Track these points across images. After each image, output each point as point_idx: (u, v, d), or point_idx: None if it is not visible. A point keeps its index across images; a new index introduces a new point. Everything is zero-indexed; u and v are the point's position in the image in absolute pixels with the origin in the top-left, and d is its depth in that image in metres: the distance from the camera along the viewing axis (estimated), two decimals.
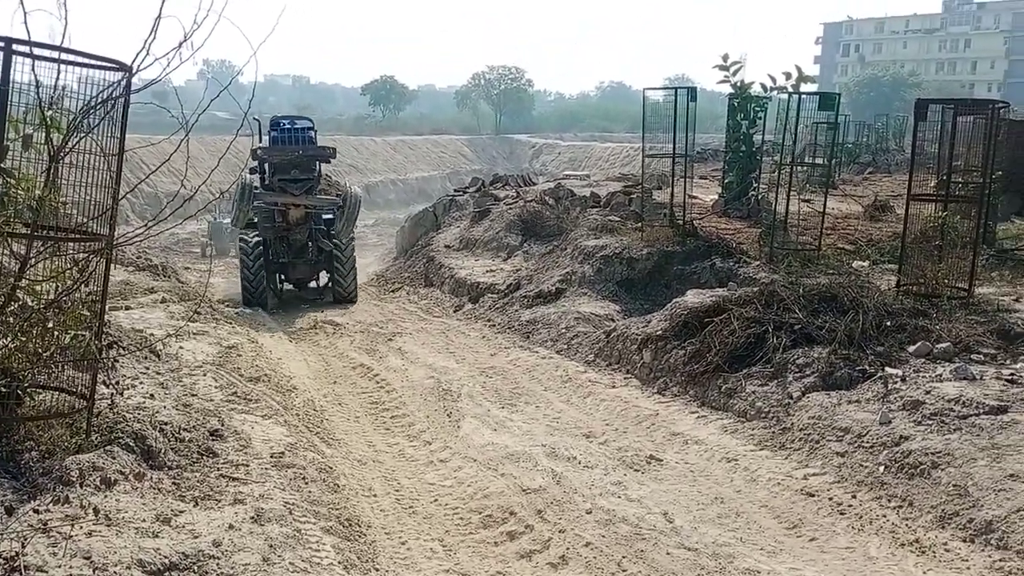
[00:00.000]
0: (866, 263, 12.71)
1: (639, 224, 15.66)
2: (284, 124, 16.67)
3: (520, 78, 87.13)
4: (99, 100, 5.52)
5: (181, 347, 9.55)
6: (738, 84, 17.95)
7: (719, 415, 8.28)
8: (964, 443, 6.36)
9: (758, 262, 12.83)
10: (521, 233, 17.59)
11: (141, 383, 7.57)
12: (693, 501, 6.45)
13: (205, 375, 8.60)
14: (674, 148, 14.93)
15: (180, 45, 5.33)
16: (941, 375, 7.45)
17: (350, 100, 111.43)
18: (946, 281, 10.11)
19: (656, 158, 16.00)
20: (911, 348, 8.11)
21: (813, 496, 6.43)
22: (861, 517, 6.05)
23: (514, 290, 14.31)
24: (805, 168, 16.65)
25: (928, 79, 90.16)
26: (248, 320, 13.80)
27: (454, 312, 14.71)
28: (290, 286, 17.36)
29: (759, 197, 17.97)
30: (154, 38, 5.27)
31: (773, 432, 7.61)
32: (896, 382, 7.47)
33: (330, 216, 16.72)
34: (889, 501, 6.18)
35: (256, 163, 16.45)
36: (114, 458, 5.43)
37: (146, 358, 8.53)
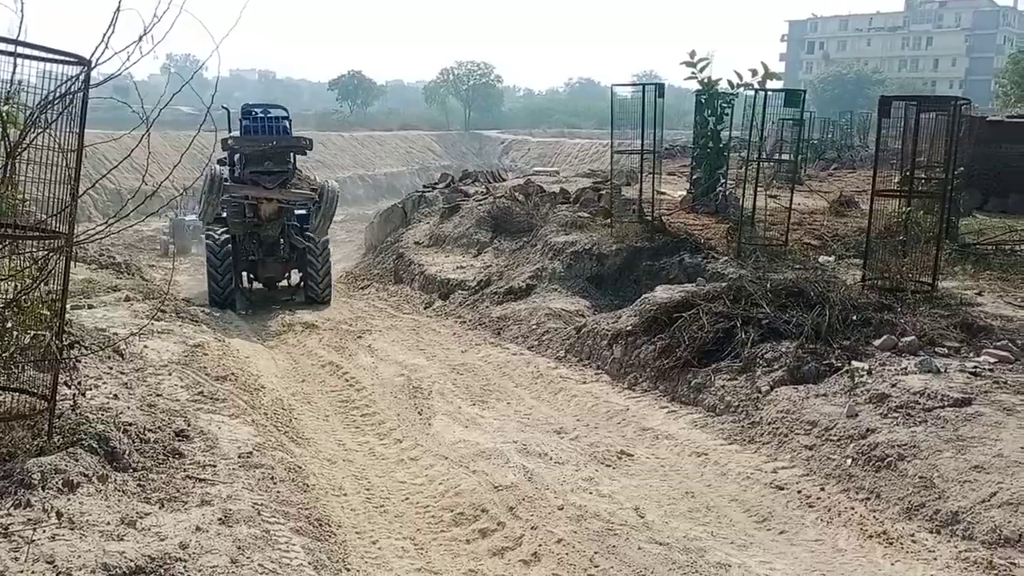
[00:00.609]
0: (832, 258, 12.85)
1: (608, 220, 15.70)
2: (257, 112, 15.75)
3: (489, 74, 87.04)
4: (57, 95, 5.40)
5: (146, 346, 9.40)
6: (705, 81, 18.07)
7: (689, 410, 8.31)
8: (930, 435, 6.45)
9: (726, 257, 12.92)
10: (491, 229, 17.53)
11: (104, 383, 7.43)
12: (664, 496, 6.47)
13: (170, 374, 8.46)
14: (642, 144, 14.97)
15: (140, 39, 5.25)
16: (906, 368, 7.55)
17: (317, 95, 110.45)
18: (910, 276, 10.26)
19: (625, 154, 16.08)
20: (876, 342, 8.21)
21: (782, 489, 6.48)
22: (829, 510, 6.11)
23: (484, 286, 14.27)
24: (772, 164, 16.84)
25: (891, 76, 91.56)
26: (215, 320, 13.50)
27: (424, 309, 14.63)
28: (259, 285, 16.65)
29: (727, 193, 18.14)
30: (113, 31, 5.18)
31: (742, 426, 7.66)
32: (862, 375, 7.55)
33: (303, 212, 15.96)
34: (857, 493, 6.25)
35: (226, 153, 15.70)
36: (77, 460, 5.32)
37: (109, 358, 8.38)
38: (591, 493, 6.45)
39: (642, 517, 6.03)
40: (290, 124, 16.11)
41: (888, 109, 10.49)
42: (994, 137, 18.52)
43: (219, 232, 15.07)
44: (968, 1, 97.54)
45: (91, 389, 6.45)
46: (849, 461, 6.58)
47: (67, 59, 5.41)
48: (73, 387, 5.80)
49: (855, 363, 7.80)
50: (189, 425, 6.94)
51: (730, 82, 18.41)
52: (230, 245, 14.99)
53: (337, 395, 9.42)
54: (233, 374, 9.17)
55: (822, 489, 6.40)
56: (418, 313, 14.39)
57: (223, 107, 14.03)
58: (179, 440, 6.57)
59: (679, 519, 6.05)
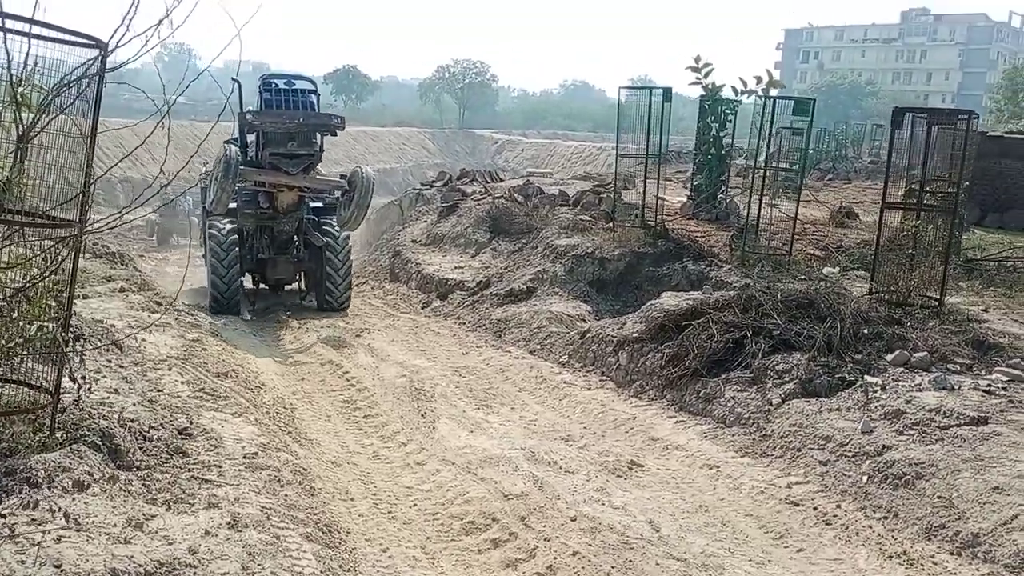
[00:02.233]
0: (836, 269, 12.78)
1: (610, 224, 15.60)
2: (278, 84, 13.38)
3: (484, 73, 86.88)
4: (73, 78, 5.23)
5: (144, 339, 9.20)
6: (709, 87, 18.03)
7: (697, 420, 8.21)
8: (947, 454, 6.36)
9: (730, 265, 12.84)
10: (490, 230, 17.39)
11: (104, 377, 7.24)
12: (678, 509, 6.36)
13: (170, 370, 8.28)
14: (647, 149, 14.89)
15: (160, 23, 5.09)
16: (920, 384, 7.47)
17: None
18: (917, 290, 10.20)
19: (628, 158, 15.97)
20: (889, 357, 8.13)
21: (798, 505, 6.38)
22: (847, 528, 6.01)
23: (484, 287, 14.13)
24: (773, 173, 16.77)
25: (885, 88, 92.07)
26: (219, 329, 12.06)
27: (422, 308, 14.47)
28: (263, 286, 14.72)
29: (728, 200, 18.08)
30: (135, 13, 5.02)
31: (753, 439, 7.56)
32: (876, 391, 7.47)
33: (319, 204, 14.18)
34: (874, 512, 6.16)
35: (237, 134, 13.64)
36: (81, 458, 5.15)
37: (108, 350, 8.17)
38: (603, 504, 6.32)
39: (657, 531, 5.91)
40: (318, 99, 13.71)
41: (901, 121, 10.42)
42: (993, 152, 18.57)
43: (224, 225, 13.21)
44: (963, 15, 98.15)
45: (91, 383, 6.26)
46: (865, 478, 6.49)
47: (84, 42, 5.25)
48: (78, 381, 5.62)
49: (868, 378, 7.72)
50: (192, 423, 6.77)
51: (734, 88, 18.37)
52: (236, 240, 13.20)
53: (338, 395, 9.26)
54: (233, 371, 9.00)
55: (838, 506, 6.30)
56: (416, 313, 14.22)
57: (233, 79, 11.81)
58: (182, 438, 6.40)
59: (695, 534, 5.93)
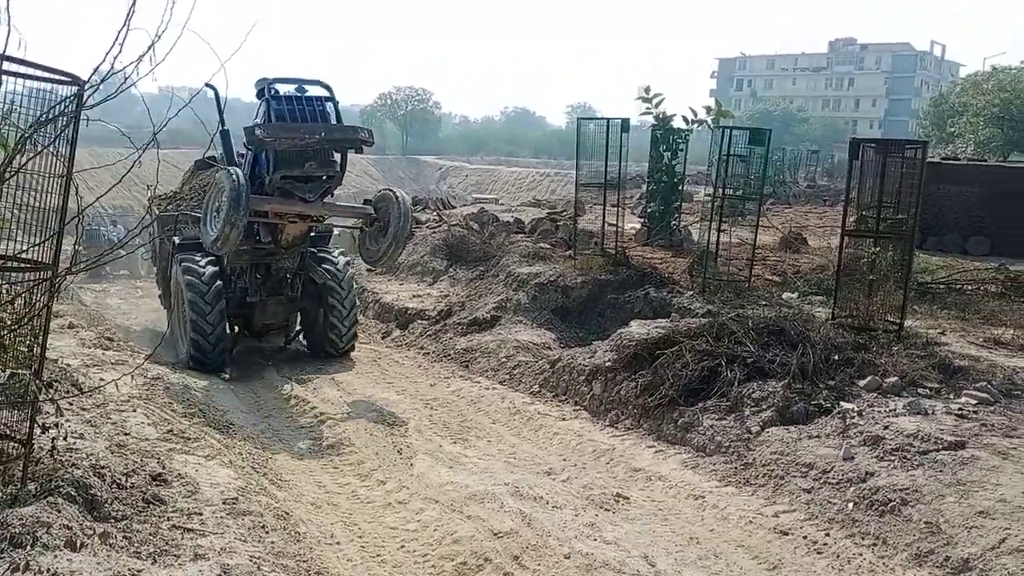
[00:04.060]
0: (795, 295, 13.01)
1: (569, 252, 15.66)
2: (287, 92, 10.39)
3: (427, 100, 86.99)
4: (50, 115, 5.03)
5: (102, 379, 8.84)
6: (660, 116, 18.37)
7: (677, 449, 8.20)
8: (930, 479, 6.46)
9: (691, 292, 12.96)
10: (447, 257, 17.32)
11: (67, 420, 6.91)
12: (670, 542, 6.31)
13: (135, 410, 7.95)
14: (605, 177, 15.04)
15: (140, 58, 4.93)
16: (895, 410, 7.60)
17: (251, 115, 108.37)
18: (878, 315, 10.42)
19: (589, 187, 16.09)
20: (862, 382, 8.26)
21: (787, 535, 6.39)
22: (839, 556, 6.04)
23: (446, 316, 14.01)
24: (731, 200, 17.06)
25: (816, 115, 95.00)
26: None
27: (382, 339, 14.27)
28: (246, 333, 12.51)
29: (681, 227, 18.36)
30: (121, 50, 4.85)
31: (735, 467, 7.58)
32: (853, 417, 7.57)
33: (320, 234, 12.34)
34: (863, 539, 6.20)
35: (245, 149, 11.06)
36: (59, 511, 4.86)
37: (68, 392, 7.83)
38: (595, 540, 6.24)
39: (653, 566, 5.85)
40: (336, 107, 10.62)
41: (858, 152, 10.71)
42: (932, 178, 19.22)
43: (204, 266, 11.08)
44: (887, 45, 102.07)
45: (66, 433, 5.96)
46: (851, 505, 6.54)
47: (61, 79, 5.05)
48: (51, 429, 5.34)
49: (844, 404, 7.82)
50: (164, 468, 6.49)
51: (684, 118, 18.79)
52: (221, 286, 11.17)
53: (308, 432, 9.02)
54: (200, 410, 8.69)
55: (827, 535, 6.33)
56: (376, 343, 14.00)
57: (207, 84, 8.60)
58: (157, 485, 6.13)
59: (691, 568, 5.89)
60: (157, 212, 13.38)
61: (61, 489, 5.22)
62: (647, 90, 18.41)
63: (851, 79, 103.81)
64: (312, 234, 11.67)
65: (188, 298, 10.97)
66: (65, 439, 5.63)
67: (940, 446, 6.86)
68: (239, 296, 11.63)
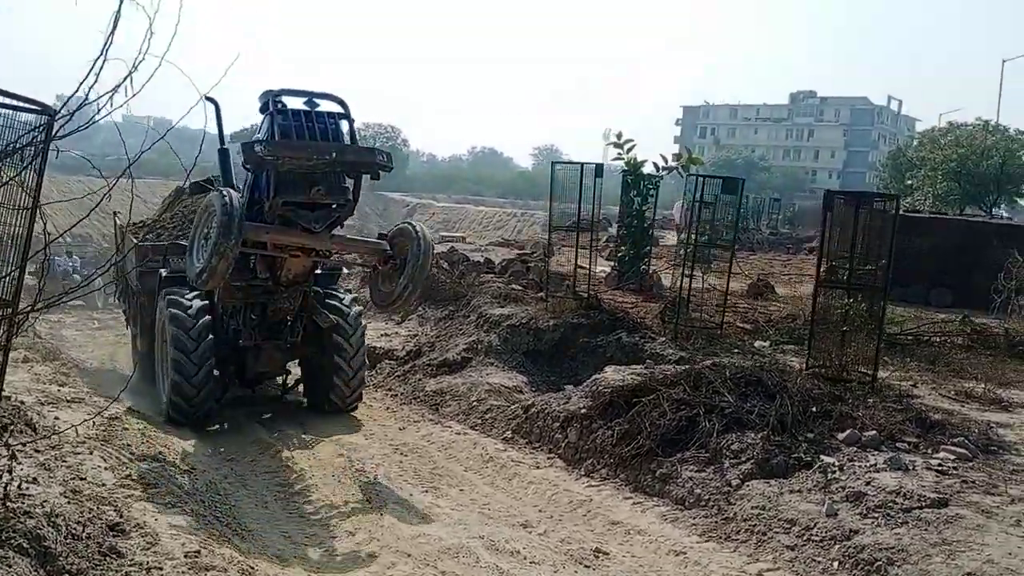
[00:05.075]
0: (767, 343, 13.00)
1: (541, 294, 15.55)
2: (296, 105, 8.97)
3: (395, 137, 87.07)
4: (17, 145, 4.80)
5: (57, 418, 8.44)
6: (631, 162, 18.52)
7: (655, 502, 8.01)
8: (915, 539, 6.34)
9: (664, 338, 12.88)
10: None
11: (19, 463, 6.53)
12: None
13: (91, 453, 7.57)
14: (579, 220, 15.03)
15: (115, 89, 4.74)
16: (876, 465, 7.50)
17: (215, 147, 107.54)
18: (852, 366, 10.41)
19: (557, 230, 16.07)
20: (840, 435, 8.17)
21: None
22: None
23: (415, 357, 13.74)
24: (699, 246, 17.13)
25: (777, 164, 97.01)
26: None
27: None
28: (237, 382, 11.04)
29: (651, 272, 18.39)
30: (96, 80, 4.65)
31: (716, 522, 7.40)
32: (835, 471, 7.46)
33: (328, 271, 11.06)
34: None
35: (224, 172, 10.23)
36: (10, 566, 4.53)
37: (21, 432, 7.43)
38: None
39: None
40: (351, 125, 9.26)
41: (832, 204, 10.79)
42: (897, 230, 19.53)
43: (191, 301, 9.89)
44: (846, 98, 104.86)
45: (19, 480, 5.61)
46: (836, 564, 6.40)
47: (31, 107, 4.84)
48: (4, 475, 5.00)
49: (825, 458, 7.71)
50: (122, 516, 6.16)
51: (655, 165, 18.99)
52: (209, 324, 9.93)
53: (273, 477, 8.66)
54: (160, 453, 8.32)
55: None
56: None
57: (207, 98, 6.82)
58: (115, 535, 5.80)
59: None
60: (135, 240, 12.18)
61: (12, 541, 4.88)
62: (618, 135, 18.60)
63: (811, 130, 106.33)
64: (317, 271, 10.30)
65: (171, 333, 9.73)
66: (19, 485, 5.29)
67: (923, 503, 6.76)
68: (231, 339, 10.31)
